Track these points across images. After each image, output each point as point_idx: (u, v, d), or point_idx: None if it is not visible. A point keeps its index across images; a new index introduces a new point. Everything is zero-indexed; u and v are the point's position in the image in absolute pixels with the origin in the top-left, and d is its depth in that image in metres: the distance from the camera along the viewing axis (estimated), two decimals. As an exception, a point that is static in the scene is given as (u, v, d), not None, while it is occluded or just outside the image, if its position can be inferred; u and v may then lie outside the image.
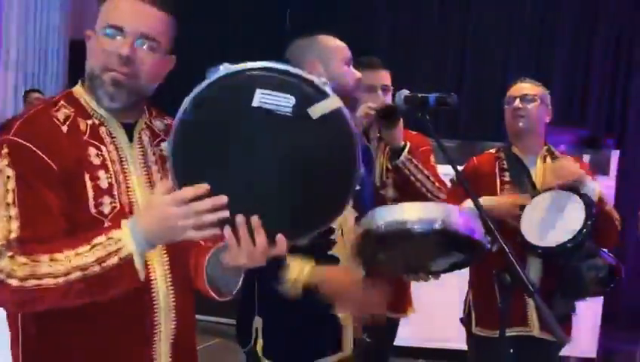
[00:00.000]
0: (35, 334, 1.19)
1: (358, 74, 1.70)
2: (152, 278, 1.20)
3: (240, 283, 1.21)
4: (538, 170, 2.25)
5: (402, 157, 1.93)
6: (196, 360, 1.34)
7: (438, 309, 2.45)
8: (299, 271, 1.52)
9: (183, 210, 1.01)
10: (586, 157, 2.62)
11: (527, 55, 5.29)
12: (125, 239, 1.06)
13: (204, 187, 0.99)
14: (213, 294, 1.23)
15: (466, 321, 2.34)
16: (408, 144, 1.95)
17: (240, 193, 1.00)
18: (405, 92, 1.74)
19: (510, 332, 2.15)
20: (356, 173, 1.05)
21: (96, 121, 1.21)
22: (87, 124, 1.20)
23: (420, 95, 1.69)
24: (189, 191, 1.00)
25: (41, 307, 1.11)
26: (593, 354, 3.92)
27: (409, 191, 1.94)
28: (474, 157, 2.37)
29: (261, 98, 0.98)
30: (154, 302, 1.20)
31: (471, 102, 5.08)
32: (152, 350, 1.21)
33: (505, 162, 2.29)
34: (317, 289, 1.53)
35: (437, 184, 1.99)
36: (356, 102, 1.73)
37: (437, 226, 1.35)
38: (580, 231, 1.90)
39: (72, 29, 5.71)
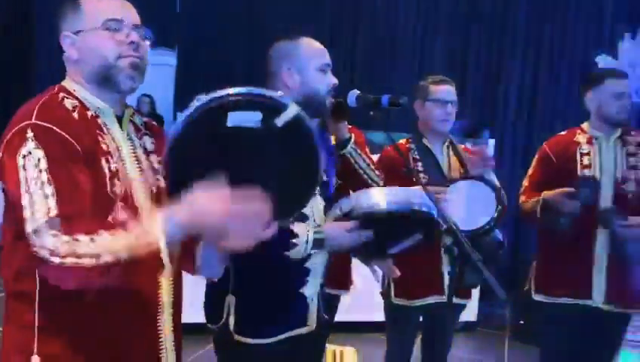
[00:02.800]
0: (51, 313, 1.25)
1: (332, 80, 1.82)
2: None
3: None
4: (445, 160, 2.53)
5: (349, 148, 2.01)
6: (181, 331, 1.46)
7: (360, 284, 2.69)
8: (305, 232, 1.67)
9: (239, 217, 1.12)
10: (469, 146, 2.94)
11: (410, 48, 5.65)
12: (157, 233, 1.13)
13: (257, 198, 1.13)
14: (198, 275, 1.42)
15: (385, 293, 2.60)
16: (353, 136, 2.05)
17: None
18: (356, 92, 1.91)
19: (426, 301, 2.49)
20: (319, 165, 1.30)
21: (93, 113, 1.31)
22: (88, 115, 1.30)
23: (372, 96, 1.88)
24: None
25: (81, 284, 1.15)
26: (474, 318, 4.46)
27: (352, 179, 2.05)
28: (388, 148, 2.56)
29: (233, 118, 1.18)
30: (159, 283, 1.34)
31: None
32: (158, 322, 1.35)
33: (416, 152, 2.54)
34: (322, 244, 1.70)
35: (377, 172, 2.10)
36: (325, 106, 1.82)
37: (415, 207, 1.59)
38: (495, 213, 2.20)
39: None
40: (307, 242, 1.70)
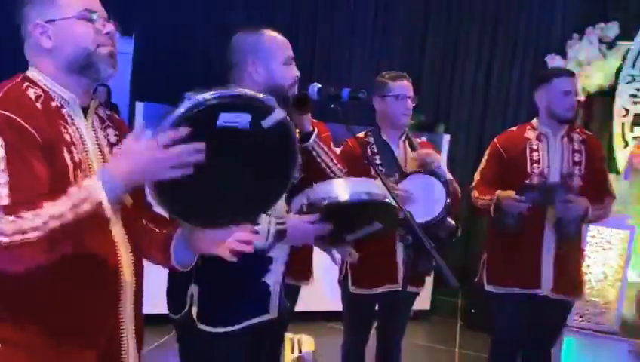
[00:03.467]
0: (6, 299, 1.25)
1: (295, 72, 1.84)
2: (119, 257, 1.35)
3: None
4: (402, 153, 2.59)
5: (311, 140, 2.02)
6: (143, 316, 1.49)
7: (318, 274, 2.74)
8: (267, 224, 1.72)
9: (165, 153, 1.14)
10: (424, 139, 3.02)
11: (368, 46, 5.71)
12: (95, 186, 1.16)
13: (183, 131, 1.14)
14: (171, 267, 1.46)
15: (343, 282, 2.67)
16: (316, 129, 2.06)
17: (213, 186, 1.24)
18: (318, 85, 1.95)
19: (382, 289, 2.57)
20: (295, 165, 1.36)
21: (58, 104, 1.32)
22: (52, 105, 1.30)
23: (333, 89, 1.93)
24: (166, 136, 1.14)
25: (30, 262, 1.16)
26: (428, 307, 4.60)
27: (314, 173, 2.06)
28: (349, 140, 2.61)
29: (223, 118, 1.21)
30: (120, 268, 1.36)
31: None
32: (119, 305, 1.37)
33: (375, 146, 2.61)
34: (284, 234, 1.74)
35: (339, 165, 2.12)
36: (288, 98, 1.85)
37: (375, 198, 1.64)
38: (445, 205, 2.29)
39: None
40: (269, 233, 1.74)
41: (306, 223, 1.75)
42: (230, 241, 1.41)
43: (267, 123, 1.25)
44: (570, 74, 2.69)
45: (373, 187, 1.73)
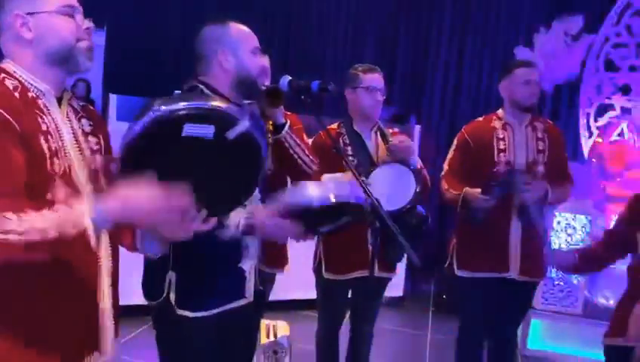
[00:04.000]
0: None
1: (263, 62, 1.89)
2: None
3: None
4: (373, 144, 2.67)
5: (284, 132, 2.07)
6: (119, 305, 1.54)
7: (292, 263, 2.81)
8: (237, 218, 1.76)
9: (164, 211, 1.23)
10: (396, 130, 3.11)
11: (342, 39, 5.79)
12: (85, 216, 1.21)
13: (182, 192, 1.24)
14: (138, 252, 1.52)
15: (317, 269, 2.75)
16: (288, 121, 2.11)
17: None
18: (288, 77, 1.99)
19: (354, 275, 2.66)
20: (261, 170, 1.48)
21: (34, 95, 1.35)
22: (29, 96, 1.34)
23: (303, 81, 1.97)
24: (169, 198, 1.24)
25: (3, 259, 1.21)
26: (401, 293, 4.72)
27: (286, 164, 2.13)
28: (321, 132, 2.65)
29: (188, 129, 1.31)
30: (97, 251, 1.40)
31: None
32: (97, 294, 1.42)
33: (347, 137, 2.68)
34: (252, 230, 1.80)
35: (311, 157, 2.18)
36: (257, 88, 1.91)
37: (346, 200, 1.73)
38: (415, 193, 2.37)
39: None
40: (237, 226, 1.78)
41: (274, 221, 1.79)
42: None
43: (231, 134, 1.34)
44: (530, 64, 2.80)
45: (341, 189, 1.79)
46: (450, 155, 2.88)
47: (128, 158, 1.32)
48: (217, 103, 1.37)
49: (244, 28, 1.88)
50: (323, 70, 5.54)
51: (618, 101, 4.87)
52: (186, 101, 1.33)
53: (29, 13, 1.34)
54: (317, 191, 1.75)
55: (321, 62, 5.74)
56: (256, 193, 1.88)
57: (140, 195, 1.24)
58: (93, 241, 1.24)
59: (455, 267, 2.85)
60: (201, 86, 1.85)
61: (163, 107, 1.29)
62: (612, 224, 2.68)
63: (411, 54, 5.63)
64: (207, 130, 1.32)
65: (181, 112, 1.29)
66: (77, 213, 1.22)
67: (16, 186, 1.23)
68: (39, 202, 1.24)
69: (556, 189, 2.66)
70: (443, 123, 5.52)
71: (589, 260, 2.52)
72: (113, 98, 3.90)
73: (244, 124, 1.35)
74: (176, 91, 1.97)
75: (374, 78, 2.64)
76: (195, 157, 1.34)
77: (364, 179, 2.26)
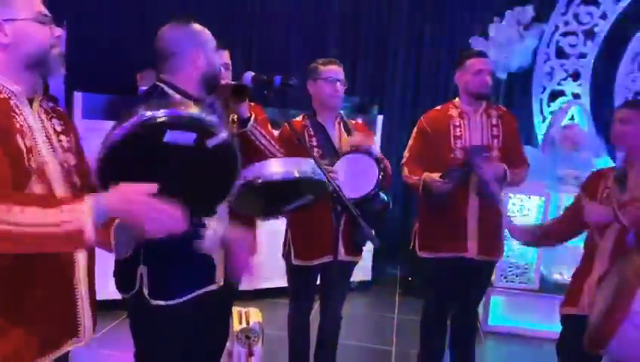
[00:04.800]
0: None
1: (224, 58, 1.97)
2: None
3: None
4: (336, 135, 2.77)
5: (249, 126, 2.17)
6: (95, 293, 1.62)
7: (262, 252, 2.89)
8: (215, 228, 1.83)
9: (160, 212, 1.30)
10: (359, 121, 3.22)
11: (306, 32, 5.82)
12: (85, 212, 1.27)
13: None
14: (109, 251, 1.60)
15: (286, 256, 2.85)
16: (253, 114, 2.20)
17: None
18: (251, 73, 2.09)
19: (322, 260, 2.76)
20: (237, 174, 1.57)
21: (6, 95, 1.42)
22: (0, 97, 1.41)
23: (266, 77, 2.07)
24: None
25: (4, 250, 1.25)
26: (369, 278, 4.85)
27: (254, 155, 2.16)
28: (285, 124, 2.72)
29: (170, 136, 1.39)
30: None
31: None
32: (74, 284, 1.50)
33: (311, 129, 2.77)
34: (229, 243, 1.87)
35: (277, 146, 2.28)
36: (218, 82, 2.00)
37: (307, 175, 1.82)
38: (378, 181, 2.47)
39: None
40: (214, 237, 1.84)
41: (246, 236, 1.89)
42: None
43: (211, 143, 1.44)
44: (481, 54, 2.96)
45: (303, 165, 1.89)
46: (410, 143, 3.03)
47: (108, 159, 1.38)
48: (199, 112, 1.45)
49: (204, 29, 1.95)
50: (287, 64, 5.60)
51: (569, 87, 5.10)
52: (168, 108, 1.41)
53: (5, 20, 1.41)
54: (280, 166, 1.85)
55: (285, 56, 5.80)
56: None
57: (139, 191, 1.31)
58: (89, 238, 1.27)
59: (418, 249, 3.01)
60: (162, 85, 1.90)
61: (147, 113, 1.37)
62: (570, 202, 2.83)
63: (373, 45, 5.73)
64: (188, 137, 1.41)
65: (164, 119, 1.37)
66: (78, 211, 1.27)
67: (5, 180, 1.29)
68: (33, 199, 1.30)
69: (513, 170, 2.82)
70: (404, 112, 5.65)
71: (549, 235, 2.67)
72: (78, 96, 3.89)
73: (223, 134, 1.45)
74: (141, 88, 2.03)
75: (332, 70, 2.73)
76: (174, 161, 1.43)
77: (326, 166, 2.38)
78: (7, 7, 1.42)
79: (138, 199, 1.31)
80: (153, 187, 1.31)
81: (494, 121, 2.92)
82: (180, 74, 1.91)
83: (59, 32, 1.47)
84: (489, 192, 2.73)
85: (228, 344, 2.62)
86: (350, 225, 2.63)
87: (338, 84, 2.73)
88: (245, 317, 2.85)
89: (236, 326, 2.80)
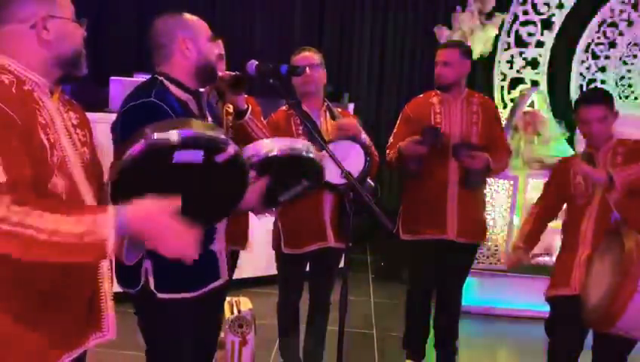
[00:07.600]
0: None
1: (218, 49, 1.95)
2: None
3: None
4: (323, 123, 2.80)
5: (246, 118, 2.20)
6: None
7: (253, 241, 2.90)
8: None
9: (182, 238, 1.29)
10: (348, 110, 3.29)
11: (269, 23, 5.81)
12: (108, 226, 1.24)
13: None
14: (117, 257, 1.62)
15: (276, 246, 2.87)
16: (250, 106, 2.21)
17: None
18: (255, 62, 2.07)
19: (312, 248, 2.80)
20: (246, 187, 1.61)
21: (30, 87, 1.38)
22: (25, 89, 1.37)
23: (271, 65, 2.05)
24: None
25: (18, 253, 1.21)
26: (341, 265, 4.90)
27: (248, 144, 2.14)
28: (272, 114, 2.80)
29: (178, 156, 1.41)
30: None
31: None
32: (99, 274, 1.51)
33: (297, 118, 2.75)
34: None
35: (270, 137, 2.24)
36: (216, 73, 1.95)
37: (302, 153, 1.83)
38: (365, 167, 2.53)
39: None
40: None
41: None
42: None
43: (220, 158, 1.47)
44: (445, 46, 3.14)
45: (297, 143, 1.89)
46: (395, 129, 3.14)
47: (121, 181, 1.40)
48: (207, 131, 1.46)
49: (196, 17, 1.91)
50: (251, 53, 5.54)
51: (528, 74, 5.30)
52: (176, 128, 1.40)
53: (50, 16, 1.38)
54: (274, 144, 1.84)
55: (250, 44, 5.76)
56: None
57: (163, 210, 1.28)
58: (110, 250, 1.25)
59: (401, 233, 3.09)
60: (161, 78, 1.86)
61: (155, 134, 1.37)
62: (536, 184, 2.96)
63: (337, 38, 5.76)
64: (197, 155, 1.43)
65: (172, 141, 1.38)
66: (101, 223, 1.24)
67: (27, 178, 1.26)
68: (41, 194, 1.28)
69: (495, 158, 2.94)
70: (370, 100, 5.73)
71: (535, 240, 2.80)
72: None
73: (231, 148, 1.47)
74: (138, 76, 1.97)
75: (300, 57, 2.74)
76: (185, 177, 1.44)
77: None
78: (50, 3, 1.39)
79: (161, 221, 1.28)
80: (177, 201, 1.28)
81: (475, 108, 3.02)
82: (172, 65, 1.87)
83: (84, 33, 1.47)
84: (475, 182, 2.88)
85: (221, 333, 2.62)
86: (339, 211, 2.68)
87: (307, 69, 2.72)
88: (236, 305, 2.85)
89: (228, 315, 2.80)
